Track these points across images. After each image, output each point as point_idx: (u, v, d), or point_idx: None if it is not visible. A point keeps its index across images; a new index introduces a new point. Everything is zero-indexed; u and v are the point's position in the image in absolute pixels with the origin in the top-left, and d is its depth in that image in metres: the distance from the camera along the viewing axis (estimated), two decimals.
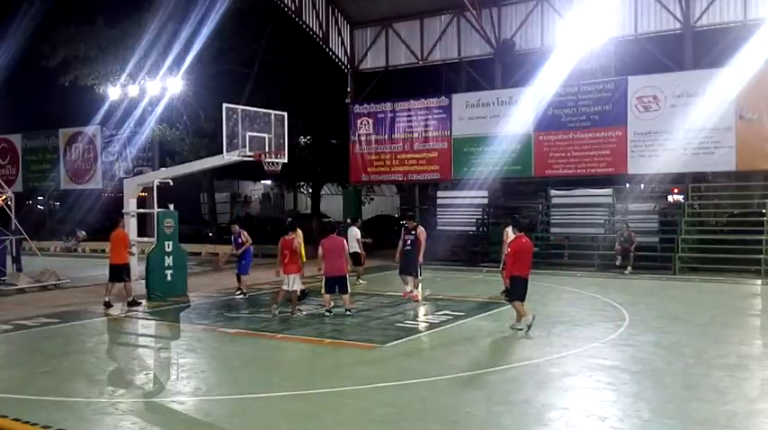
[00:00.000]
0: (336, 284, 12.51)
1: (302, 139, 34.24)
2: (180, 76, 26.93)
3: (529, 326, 10.84)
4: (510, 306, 13.59)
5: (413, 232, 14.69)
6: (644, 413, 7.04)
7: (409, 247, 14.60)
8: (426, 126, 24.79)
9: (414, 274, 14.64)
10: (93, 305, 14.50)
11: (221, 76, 29.48)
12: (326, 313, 12.55)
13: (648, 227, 21.13)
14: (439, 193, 26.22)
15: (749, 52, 19.59)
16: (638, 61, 22.67)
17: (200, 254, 25.93)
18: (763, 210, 19.95)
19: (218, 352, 10.41)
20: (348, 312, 12.60)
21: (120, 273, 14.11)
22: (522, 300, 11.13)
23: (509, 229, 15.53)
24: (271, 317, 12.51)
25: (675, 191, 23.50)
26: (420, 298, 14.39)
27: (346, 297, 12.69)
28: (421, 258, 14.71)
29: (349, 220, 19.52)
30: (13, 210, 19.13)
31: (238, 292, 15.34)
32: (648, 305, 13.86)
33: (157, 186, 16.18)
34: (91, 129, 32.35)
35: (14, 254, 18.63)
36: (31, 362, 9.67)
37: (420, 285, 14.96)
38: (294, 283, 12.62)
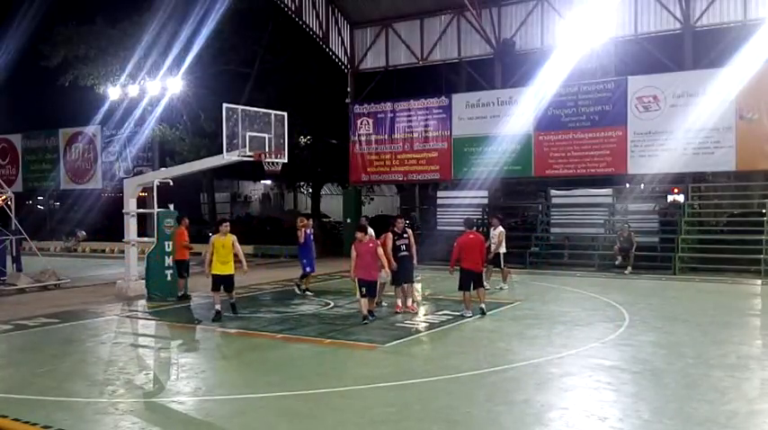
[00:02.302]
0: (371, 288, 12.13)
1: (302, 139, 34.22)
2: (180, 76, 26.90)
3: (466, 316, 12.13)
4: (509, 305, 13.72)
5: (405, 235, 12.96)
6: (644, 413, 7.04)
7: (405, 253, 12.86)
8: (426, 126, 24.77)
9: (412, 281, 13.29)
10: (93, 305, 14.53)
11: (221, 76, 29.47)
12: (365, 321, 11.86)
13: (648, 227, 21.15)
14: (439, 193, 26.24)
15: (749, 52, 19.58)
16: (638, 61, 22.64)
17: (200, 254, 25.90)
18: (763, 210, 19.96)
19: (218, 352, 10.41)
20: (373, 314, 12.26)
21: (178, 268, 15.03)
22: (468, 289, 12.23)
23: (497, 228, 15.98)
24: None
25: (675, 191, 23.50)
26: (416, 307, 13.14)
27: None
28: (415, 262, 13.30)
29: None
30: (13, 210, 19.12)
31: (307, 292, 15.60)
32: (648, 305, 13.86)
33: (157, 186, 16.17)
34: (91, 129, 32.38)
35: (14, 254, 18.64)
36: (31, 363, 9.67)
37: (420, 285, 14.84)
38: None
